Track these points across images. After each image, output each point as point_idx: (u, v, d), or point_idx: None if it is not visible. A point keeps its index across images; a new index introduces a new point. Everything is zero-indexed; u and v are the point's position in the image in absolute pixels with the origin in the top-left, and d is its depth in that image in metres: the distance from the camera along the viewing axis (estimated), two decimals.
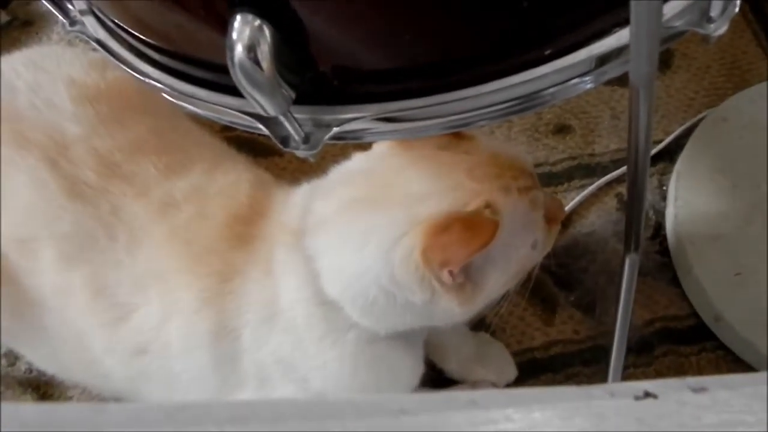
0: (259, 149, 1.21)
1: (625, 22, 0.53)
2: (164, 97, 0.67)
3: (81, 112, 0.93)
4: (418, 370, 0.87)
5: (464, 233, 0.67)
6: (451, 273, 0.68)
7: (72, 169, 0.88)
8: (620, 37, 0.54)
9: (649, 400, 0.36)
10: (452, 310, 0.73)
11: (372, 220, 0.73)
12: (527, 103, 0.57)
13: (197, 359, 0.84)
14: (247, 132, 1.25)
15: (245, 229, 0.83)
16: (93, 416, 0.23)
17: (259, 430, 0.23)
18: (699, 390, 0.37)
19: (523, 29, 0.54)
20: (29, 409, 0.23)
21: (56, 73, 0.97)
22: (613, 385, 0.36)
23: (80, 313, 0.87)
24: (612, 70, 0.58)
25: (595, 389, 0.34)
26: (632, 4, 0.46)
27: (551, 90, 0.57)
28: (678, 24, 0.55)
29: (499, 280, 0.74)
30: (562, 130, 1.27)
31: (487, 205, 0.68)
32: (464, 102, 0.55)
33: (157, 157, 0.90)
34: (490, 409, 0.27)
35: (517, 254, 0.74)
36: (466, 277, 0.71)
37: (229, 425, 0.23)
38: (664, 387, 0.37)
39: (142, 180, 0.88)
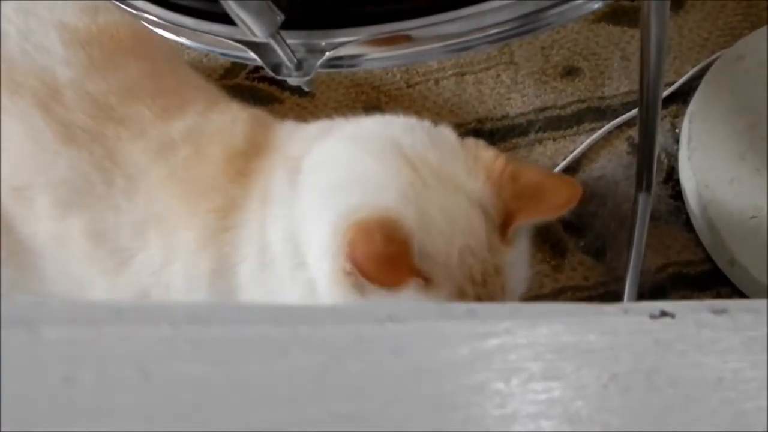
0: (259, 97, 1.19)
1: None
2: (155, 32, 0.64)
3: (73, 55, 0.91)
4: None
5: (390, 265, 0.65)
6: None
7: (65, 114, 0.86)
8: None
9: (666, 320, 0.33)
10: None
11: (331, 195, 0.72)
12: (530, 24, 0.54)
13: (197, 300, 0.82)
14: (247, 80, 1.23)
15: (244, 163, 0.81)
16: (33, 309, 0.20)
17: (222, 334, 0.21)
18: (719, 312, 0.35)
19: None
20: None
21: (47, 17, 0.94)
22: (628, 304, 0.33)
23: (79, 261, 0.86)
24: None
25: (609, 306, 0.32)
26: None
27: (557, 10, 0.54)
28: None
29: None
30: (570, 72, 1.23)
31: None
32: (463, 21, 0.52)
33: (152, 99, 0.88)
34: (489, 320, 0.25)
35: None
36: None
37: (187, 325, 0.20)
38: (682, 307, 0.34)
39: (138, 123, 0.86)
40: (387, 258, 0.64)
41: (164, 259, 0.83)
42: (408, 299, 0.66)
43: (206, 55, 1.24)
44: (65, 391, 0.19)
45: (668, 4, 0.52)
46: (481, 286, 0.67)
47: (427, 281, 0.65)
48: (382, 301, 0.65)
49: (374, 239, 0.65)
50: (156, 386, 0.19)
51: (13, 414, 0.18)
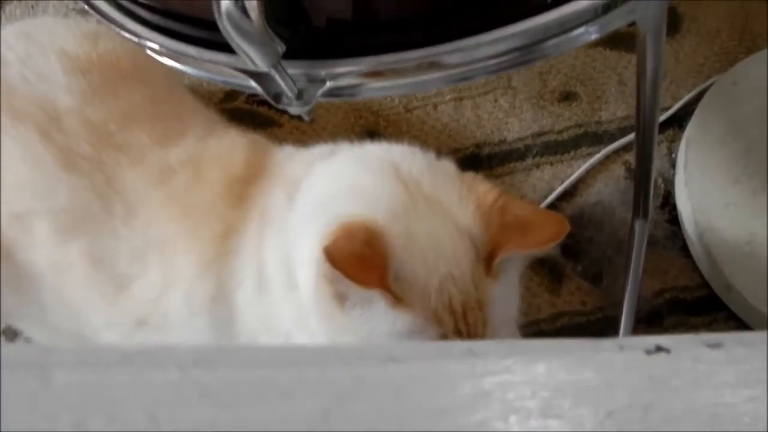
0: (258, 121, 1.19)
1: None
2: (156, 59, 0.65)
3: (73, 83, 0.91)
4: None
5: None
6: None
7: (65, 141, 0.86)
8: None
9: (662, 355, 0.34)
10: None
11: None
12: (528, 55, 0.55)
13: (196, 327, 0.83)
14: (246, 104, 1.24)
15: (243, 189, 0.82)
16: (43, 356, 0.21)
17: (228, 377, 0.21)
18: (714, 346, 0.35)
19: None
20: None
21: (48, 44, 0.95)
22: (623, 339, 0.33)
23: (78, 288, 0.86)
24: (618, 19, 0.55)
25: (605, 342, 0.32)
26: None
27: (554, 41, 0.55)
28: None
29: None
30: (568, 97, 1.24)
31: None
32: (462, 53, 0.53)
33: (151, 125, 0.89)
34: (488, 359, 0.25)
35: None
36: None
37: (194, 369, 0.21)
38: (678, 342, 0.35)
39: (137, 149, 0.87)
40: (362, 258, 0.65)
41: (163, 285, 0.83)
42: (383, 319, 0.66)
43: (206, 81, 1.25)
44: None
45: (664, 32, 0.53)
46: (461, 318, 0.67)
47: (397, 300, 0.66)
48: (360, 319, 0.66)
49: (355, 238, 0.65)
50: (164, 429, 0.19)
51: None
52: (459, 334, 0.66)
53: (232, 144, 0.89)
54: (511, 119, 1.22)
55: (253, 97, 1.23)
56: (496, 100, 1.23)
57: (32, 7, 1.49)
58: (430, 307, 0.66)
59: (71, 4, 1.37)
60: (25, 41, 0.96)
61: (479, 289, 0.68)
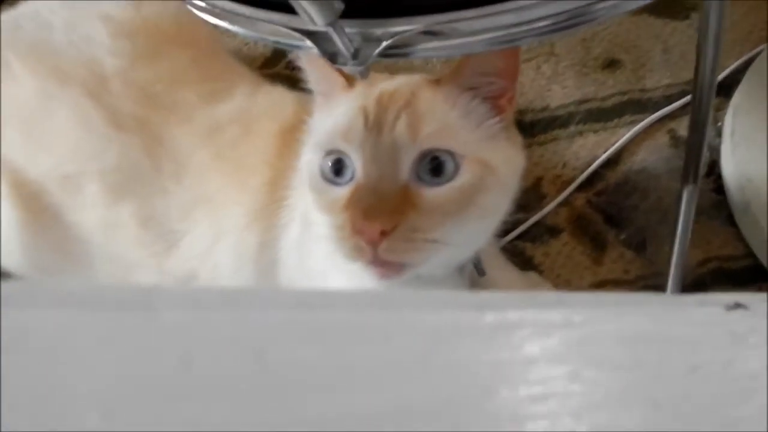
0: (299, 87, 1.18)
1: None
2: (204, 18, 0.64)
3: (119, 46, 0.92)
4: None
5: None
6: None
7: (114, 102, 0.87)
8: None
9: (740, 311, 0.33)
10: None
11: None
12: (580, 17, 0.54)
13: (242, 277, 0.84)
14: (287, 69, 1.23)
15: (292, 136, 0.82)
16: (151, 293, 0.21)
17: (332, 317, 0.21)
18: None
19: None
20: (74, 286, 0.22)
21: (92, 10, 0.96)
22: (704, 295, 0.33)
23: (128, 246, 0.87)
24: None
25: (687, 297, 0.32)
26: None
27: (608, 3, 0.54)
28: None
29: None
30: (611, 64, 1.22)
31: None
32: (519, 12, 0.52)
33: (197, 85, 0.90)
34: (577, 307, 0.25)
35: None
36: None
37: (298, 310, 0.20)
38: (754, 299, 0.34)
39: (184, 108, 0.88)
40: None
41: (213, 238, 0.84)
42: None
43: (246, 44, 1.25)
44: (182, 373, 0.19)
45: (728, 2, 0.51)
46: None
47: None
48: None
49: None
50: (270, 369, 0.19)
51: (131, 394, 0.19)
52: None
53: (281, 97, 0.91)
54: (554, 86, 1.20)
55: (293, 63, 1.23)
56: (538, 67, 1.22)
57: None
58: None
59: None
60: (69, 7, 0.97)
61: (416, 95, 0.68)
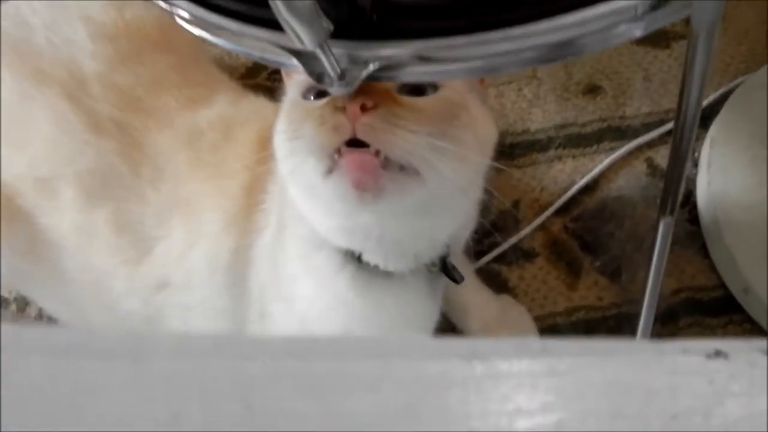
0: (279, 98, 1.18)
1: None
2: (190, 30, 0.64)
3: (100, 49, 0.91)
4: (413, 323, 0.82)
5: None
6: None
7: (93, 105, 0.86)
8: None
9: (720, 360, 0.33)
10: None
11: None
12: (568, 48, 0.54)
13: (215, 284, 0.83)
14: (268, 80, 1.23)
15: (271, 144, 0.82)
16: (136, 343, 0.20)
17: (320, 367, 0.20)
18: None
19: None
20: (60, 333, 0.21)
21: (74, 11, 0.95)
22: (685, 342, 0.33)
23: (102, 253, 0.86)
24: (666, 16, 0.54)
25: (667, 345, 0.32)
26: None
27: (599, 35, 0.54)
28: None
29: None
30: (592, 90, 1.23)
31: None
32: (509, 42, 0.52)
33: (178, 90, 0.90)
34: (563, 357, 0.25)
35: None
36: None
37: (288, 359, 0.20)
38: (734, 347, 0.34)
39: (165, 113, 0.87)
40: None
41: (187, 243, 0.84)
42: None
43: (228, 53, 1.24)
44: (173, 426, 0.19)
45: (718, 32, 0.52)
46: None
47: None
48: None
49: None
50: (258, 419, 0.19)
51: None
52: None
53: (262, 106, 0.91)
54: (535, 110, 1.21)
55: (274, 74, 1.22)
56: (520, 90, 1.22)
57: None
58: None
59: None
60: (50, 7, 0.95)
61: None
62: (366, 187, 0.60)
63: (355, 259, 0.75)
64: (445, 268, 0.78)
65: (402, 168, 0.61)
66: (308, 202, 0.70)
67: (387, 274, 0.75)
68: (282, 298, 0.81)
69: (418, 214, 0.68)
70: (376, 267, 0.74)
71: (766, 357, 0.35)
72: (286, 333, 0.83)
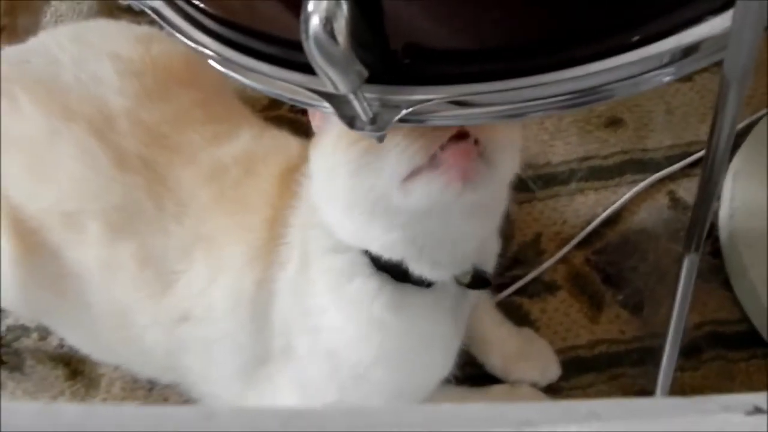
0: (302, 130, 1.18)
1: (719, 9, 0.50)
2: (220, 70, 0.64)
3: (127, 85, 0.92)
4: (439, 348, 0.84)
5: None
6: None
7: (120, 141, 0.87)
8: (713, 25, 0.51)
9: (759, 416, 0.33)
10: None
11: None
12: (598, 94, 0.54)
13: (237, 318, 0.84)
14: (291, 112, 1.24)
15: (294, 177, 0.83)
16: (202, 421, 0.20)
17: None
18: None
19: (611, 12, 0.51)
20: (131, 411, 0.21)
21: (101, 47, 0.96)
22: (724, 398, 0.33)
23: (126, 287, 0.87)
24: (695, 62, 0.54)
25: (708, 402, 0.32)
26: None
27: (628, 81, 0.54)
28: None
29: None
30: (614, 123, 1.23)
31: None
32: (539, 88, 0.52)
33: (203, 127, 0.91)
34: (611, 421, 0.25)
35: None
36: None
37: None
38: None
39: (190, 149, 0.89)
40: None
41: (209, 278, 0.84)
42: None
43: None
44: None
45: (750, 80, 0.52)
46: None
47: None
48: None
49: None
50: None
51: None
52: None
53: (285, 140, 0.92)
54: (557, 142, 1.21)
55: (297, 107, 1.23)
56: (542, 123, 1.23)
57: (77, 4, 1.50)
58: None
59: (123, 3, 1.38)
60: (78, 43, 0.97)
61: None
62: (470, 177, 0.62)
63: (390, 280, 0.76)
64: (477, 276, 0.79)
65: (485, 159, 0.63)
66: (366, 220, 0.70)
67: (421, 293, 0.77)
68: (307, 331, 0.82)
69: (480, 210, 0.70)
70: (410, 286, 0.76)
71: None
72: (310, 365, 0.83)
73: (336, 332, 0.80)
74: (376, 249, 0.73)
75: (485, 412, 0.23)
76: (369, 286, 0.76)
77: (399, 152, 0.62)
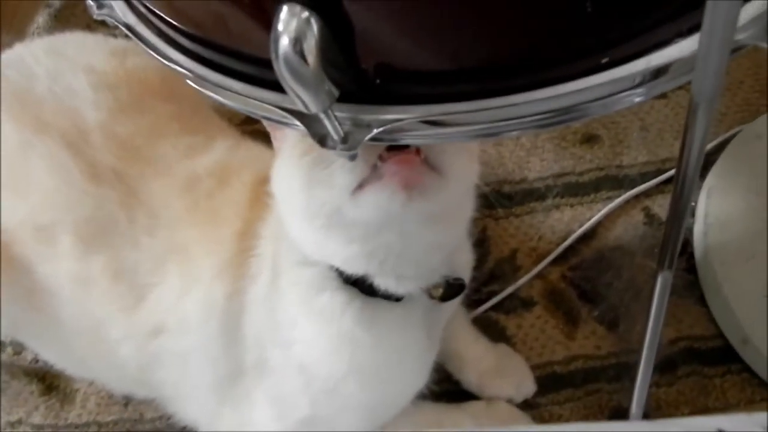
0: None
1: (687, 32, 0.50)
2: (193, 87, 0.64)
3: (101, 98, 0.92)
4: (412, 363, 0.83)
5: None
6: None
7: (93, 154, 0.87)
8: (682, 48, 0.51)
9: None
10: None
11: None
12: (570, 114, 0.54)
13: (209, 331, 0.83)
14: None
15: (264, 189, 0.82)
16: None
17: None
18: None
19: (582, 35, 0.51)
20: None
21: (76, 60, 0.96)
22: (687, 421, 0.33)
23: (98, 300, 0.86)
24: (666, 83, 0.55)
25: (671, 423, 0.32)
26: (708, 11, 0.43)
27: (600, 102, 0.54)
28: (742, 37, 0.52)
29: None
30: (590, 139, 1.24)
31: None
32: (512, 108, 0.53)
33: (177, 139, 0.91)
34: None
35: None
36: None
37: None
38: (735, 423, 0.35)
39: (164, 161, 0.89)
40: None
41: (182, 289, 0.84)
42: None
43: None
44: None
45: (716, 102, 0.52)
46: None
47: None
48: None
49: None
50: None
51: None
52: None
53: (260, 152, 0.91)
54: (533, 159, 1.22)
55: None
56: (518, 139, 1.23)
57: (55, 16, 1.50)
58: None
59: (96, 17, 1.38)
60: (53, 56, 0.96)
61: None
62: (414, 185, 0.61)
63: (360, 293, 0.75)
64: (449, 288, 0.78)
65: (431, 167, 0.63)
66: (325, 235, 0.69)
67: (391, 307, 0.76)
68: (279, 344, 0.81)
69: (436, 220, 0.69)
70: (380, 299, 0.75)
71: None
72: (283, 379, 0.83)
73: (306, 346, 0.79)
74: (338, 263, 0.73)
75: None
76: (337, 299, 0.76)
77: (342, 163, 0.62)
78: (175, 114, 0.96)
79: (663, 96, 1.28)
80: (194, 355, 0.86)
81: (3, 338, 1.11)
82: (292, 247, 0.76)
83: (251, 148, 0.95)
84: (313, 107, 0.49)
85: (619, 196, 1.17)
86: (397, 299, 0.75)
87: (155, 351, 0.87)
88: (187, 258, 0.85)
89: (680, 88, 1.18)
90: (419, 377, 0.85)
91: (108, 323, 0.87)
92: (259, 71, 0.56)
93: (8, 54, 0.99)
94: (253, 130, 1.25)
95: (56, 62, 0.96)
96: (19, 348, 1.10)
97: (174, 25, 0.61)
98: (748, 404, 0.99)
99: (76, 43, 1.02)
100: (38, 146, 0.88)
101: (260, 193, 0.83)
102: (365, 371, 0.79)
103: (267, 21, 0.47)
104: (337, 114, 0.53)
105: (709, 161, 1.17)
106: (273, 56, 0.46)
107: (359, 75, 0.52)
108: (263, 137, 1.00)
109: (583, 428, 0.27)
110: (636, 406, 0.88)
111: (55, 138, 0.88)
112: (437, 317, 0.83)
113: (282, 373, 0.82)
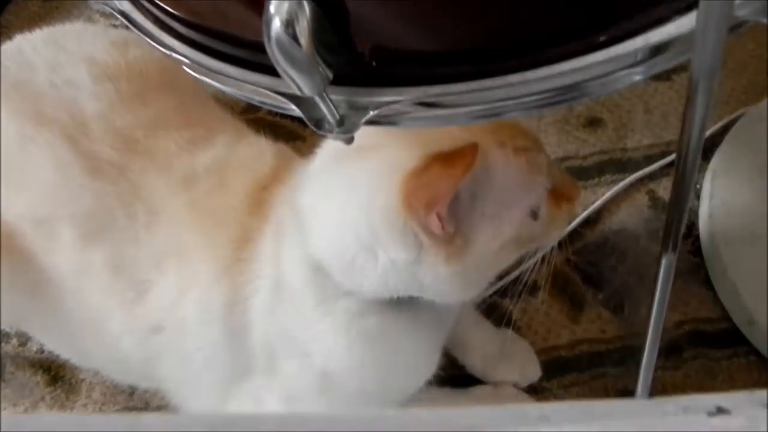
0: (281, 133, 1.19)
1: (686, 9, 0.50)
2: (190, 74, 0.64)
3: (101, 90, 0.91)
4: (427, 356, 0.84)
5: (445, 166, 0.63)
6: (439, 218, 0.64)
7: (92, 147, 0.86)
8: (680, 25, 0.51)
9: (722, 416, 0.33)
10: (438, 270, 0.68)
11: (354, 171, 0.70)
12: (570, 93, 0.54)
13: (211, 334, 0.83)
14: (270, 115, 1.23)
15: (264, 195, 0.81)
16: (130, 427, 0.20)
17: None
18: None
19: (577, 13, 0.51)
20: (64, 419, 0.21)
21: (76, 51, 0.95)
22: (685, 400, 0.33)
23: (98, 294, 0.86)
24: (666, 61, 0.54)
25: (668, 404, 0.31)
26: None
27: (598, 81, 0.54)
28: (742, 13, 0.51)
29: (491, 239, 0.69)
30: (593, 123, 1.23)
31: (474, 147, 0.63)
32: (508, 89, 0.52)
33: (178, 132, 0.90)
34: (563, 424, 0.25)
35: (510, 215, 0.70)
36: (456, 229, 0.67)
37: None
38: (735, 401, 0.34)
39: (163, 155, 0.87)
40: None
41: (180, 291, 0.83)
42: None
43: None
44: None
45: (718, 81, 0.52)
46: None
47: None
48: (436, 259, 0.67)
49: (429, 166, 0.64)
50: None
51: None
52: None
53: (260, 151, 0.90)
54: None
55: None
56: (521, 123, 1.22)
57: (56, 7, 1.50)
58: None
59: (93, 6, 1.37)
60: (53, 47, 0.96)
61: None
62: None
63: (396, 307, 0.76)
64: None
65: None
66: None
67: (406, 305, 0.76)
68: (295, 355, 0.80)
69: None
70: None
71: (766, 411, 0.34)
72: (298, 382, 0.82)
73: (334, 359, 0.79)
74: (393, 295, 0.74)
75: (432, 417, 0.22)
76: (388, 320, 0.76)
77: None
78: (176, 106, 0.95)
79: (667, 78, 1.27)
80: (195, 355, 0.85)
81: (8, 329, 1.11)
82: (318, 281, 0.75)
83: (252, 144, 0.92)
84: (308, 90, 0.49)
85: (623, 179, 1.17)
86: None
87: (156, 347, 0.86)
88: (185, 259, 0.83)
89: (684, 69, 1.17)
90: (430, 367, 0.85)
91: (108, 316, 0.87)
92: (254, 56, 0.55)
93: (8, 45, 0.98)
94: (256, 119, 1.25)
95: (56, 53, 0.95)
96: (24, 339, 1.11)
97: (169, 11, 0.61)
98: (756, 386, 0.98)
99: (76, 34, 1.01)
100: (37, 139, 0.87)
101: (260, 198, 0.83)
102: (379, 367, 0.80)
103: (260, 4, 0.47)
104: (333, 97, 0.53)
105: (713, 143, 1.16)
106: (265, 39, 0.46)
107: (354, 57, 0.52)
108: (266, 126, 1.00)
109: (583, 407, 0.27)
110: (641, 389, 0.88)
111: (54, 130, 0.87)
112: (451, 309, 0.83)
113: (298, 377, 0.82)
